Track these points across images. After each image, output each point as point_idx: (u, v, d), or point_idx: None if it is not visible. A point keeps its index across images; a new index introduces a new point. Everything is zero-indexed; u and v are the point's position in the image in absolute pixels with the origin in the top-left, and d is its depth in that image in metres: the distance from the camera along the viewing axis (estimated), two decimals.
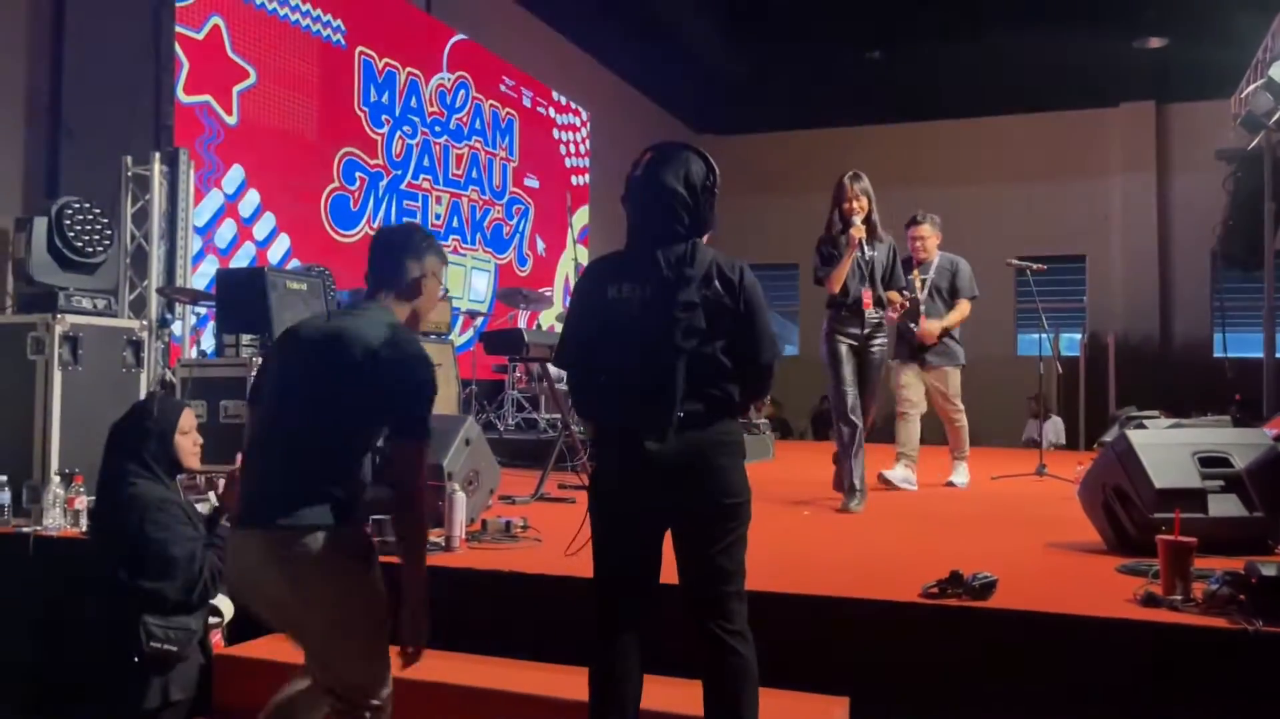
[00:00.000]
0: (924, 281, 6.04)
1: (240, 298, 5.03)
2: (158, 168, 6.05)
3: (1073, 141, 13.55)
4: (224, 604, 3.15)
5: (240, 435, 4.73)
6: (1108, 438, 8.70)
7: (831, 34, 13.12)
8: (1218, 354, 12.77)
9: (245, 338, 4.92)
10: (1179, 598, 2.79)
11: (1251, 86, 8.59)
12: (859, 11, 12.65)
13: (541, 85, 11.04)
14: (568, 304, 2.56)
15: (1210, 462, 3.60)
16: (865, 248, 5.02)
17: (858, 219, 4.91)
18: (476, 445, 4.15)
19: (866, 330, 5.04)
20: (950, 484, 6.20)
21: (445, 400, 6.64)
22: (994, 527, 4.60)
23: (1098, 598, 2.94)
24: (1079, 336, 13.65)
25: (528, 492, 5.18)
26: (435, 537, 3.62)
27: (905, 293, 5.30)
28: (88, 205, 4.68)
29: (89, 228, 4.63)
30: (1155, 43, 11.83)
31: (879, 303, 5.07)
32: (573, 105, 11.75)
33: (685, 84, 14.11)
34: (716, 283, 2.30)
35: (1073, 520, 4.19)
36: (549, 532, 3.82)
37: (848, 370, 5.00)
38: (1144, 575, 3.12)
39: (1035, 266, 7.16)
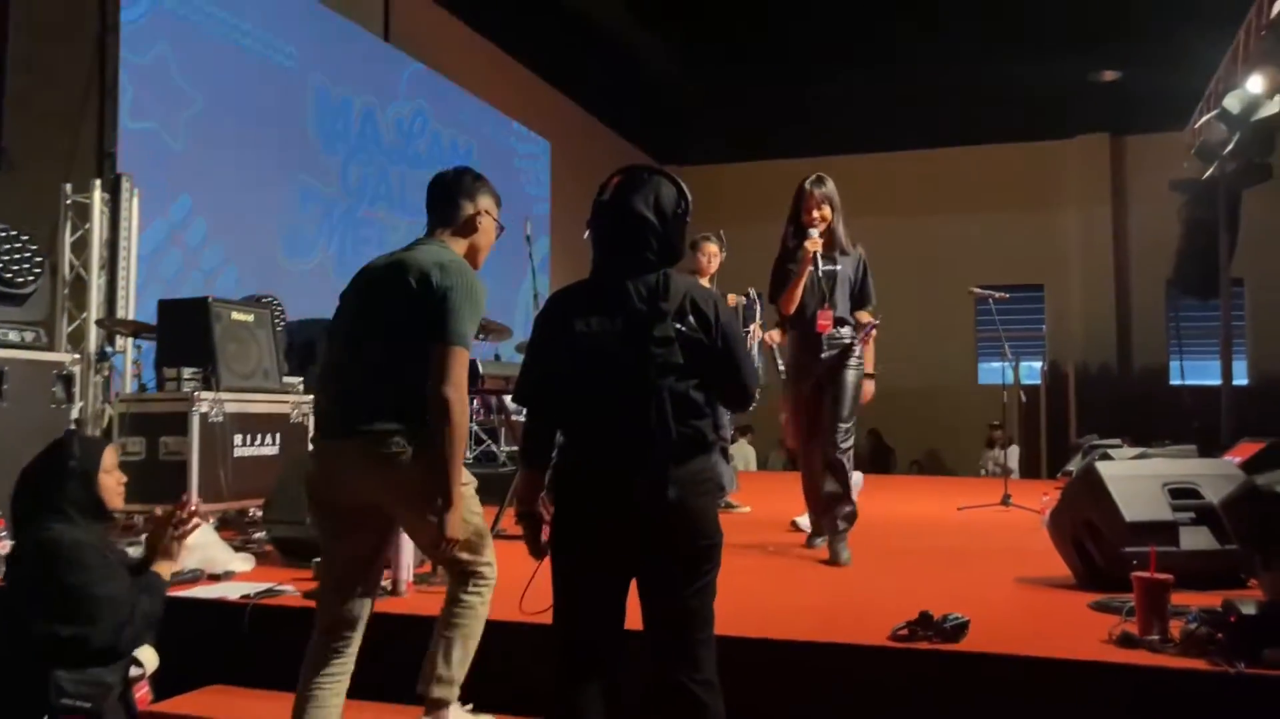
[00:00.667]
0: None
1: (182, 329, 4.83)
2: (98, 195, 5.85)
3: (1030, 172, 13.70)
4: (147, 655, 2.94)
5: (182, 471, 4.57)
6: (1072, 467, 8.69)
7: (794, 65, 13.21)
8: (1175, 381, 12.89)
9: (187, 372, 4.72)
10: (1156, 638, 2.69)
11: (1205, 117, 8.69)
12: (820, 43, 12.76)
13: (501, 114, 10.95)
14: (529, 336, 2.39)
15: (1180, 493, 3.53)
16: (821, 261, 4.44)
17: (815, 231, 4.36)
18: None
19: (827, 354, 4.41)
20: (794, 525, 5.44)
21: None
22: (962, 561, 4.49)
23: (1072, 638, 2.83)
24: (1039, 365, 13.72)
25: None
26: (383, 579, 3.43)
27: (878, 313, 4.68)
28: (15, 234, 4.48)
29: (18, 257, 4.43)
30: (1109, 75, 12.02)
31: (841, 323, 4.44)
32: (533, 134, 11.67)
33: (647, 113, 14.13)
34: (691, 317, 2.19)
35: (1041, 553, 4.10)
36: (504, 572, 3.63)
37: (801, 402, 4.49)
38: (1118, 613, 3.02)
39: (998, 295, 7.09)
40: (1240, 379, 11.93)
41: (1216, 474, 3.59)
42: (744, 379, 2.27)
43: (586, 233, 2.30)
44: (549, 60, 11.66)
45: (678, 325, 2.16)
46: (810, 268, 4.40)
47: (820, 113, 13.84)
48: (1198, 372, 12.40)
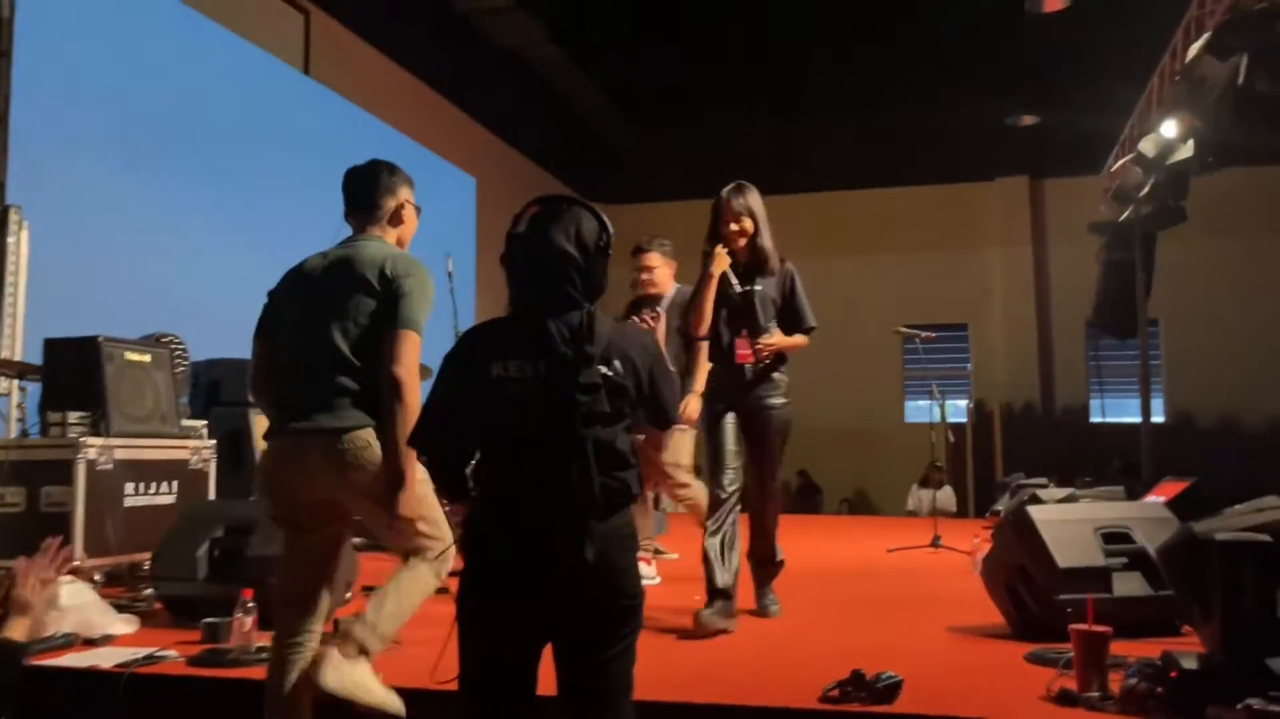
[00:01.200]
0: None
1: (70, 370, 4.52)
2: None
3: (954, 214, 13.91)
4: None
5: (64, 524, 4.23)
6: (999, 506, 8.70)
7: (723, 107, 13.30)
8: (1095, 419, 13.11)
9: (74, 415, 4.40)
10: (1096, 694, 2.57)
11: (1121, 161, 8.87)
12: (747, 87, 12.87)
13: (426, 149, 10.74)
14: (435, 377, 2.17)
15: (1112, 537, 3.46)
16: (738, 281, 3.97)
17: (722, 247, 3.89)
18: None
19: (750, 389, 3.92)
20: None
21: None
22: (894, 608, 4.36)
23: (1010, 695, 2.70)
24: (965, 404, 13.85)
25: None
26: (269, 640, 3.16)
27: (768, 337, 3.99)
28: None
29: None
30: (1028, 120, 12.27)
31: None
32: (459, 170, 11.48)
33: (578, 151, 14.05)
34: (617, 361, 2.02)
35: (973, 599, 4.00)
36: (414, 630, 3.40)
37: (724, 440, 3.92)
38: (1054, 665, 2.90)
39: (924, 334, 7.07)
40: (1158, 417, 12.16)
41: (1147, 517, 3.53)
42: (667, 411, 2.14)
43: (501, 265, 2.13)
44: (476, 96, 11.51)
45: (604, 370, 2.00)
46: (732, 289, 3.95)
47: (748, 154, 13.90)
48: (1117, 409, 12.64)
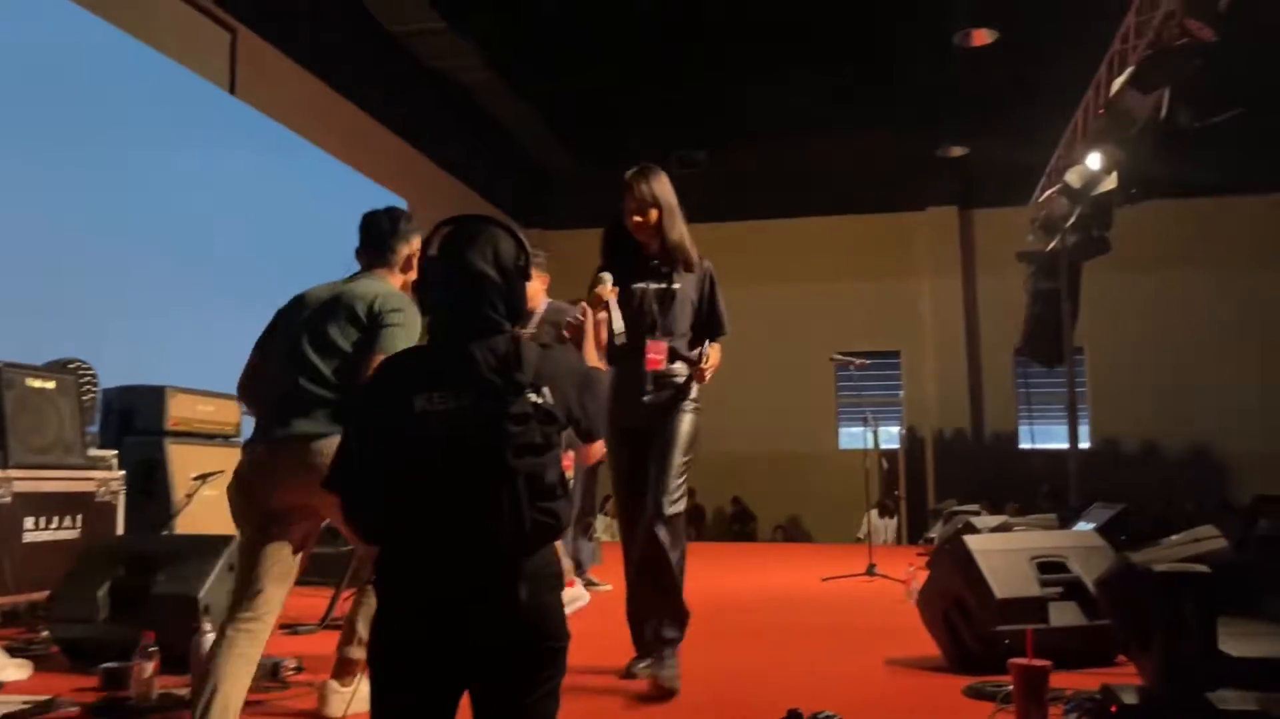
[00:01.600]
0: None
1: None
2: None
3: (886, 243, 14.08)
4: None
5: None
6: (933, 534, 8.73)
7: (658, 133, 13.32)
8: (1024, 445, 13.31)
9: None
10: None
11: (1048, 192, 9.04)
12: (684, 114, 12.92)
13: (355, 171, 10.54)
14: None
15: (1048, 567, 3.43)
16: (651, 278, 3.45)
17: (607, 276, 3.24)
18: None
19: (653, 397, 3.35)
20: None
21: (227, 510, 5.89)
22: (831, 640, 4.29)
23: None
24: (898, 430, 13.96)
25: (316, 616, 4.54)
26: (183, 686, 2.97)
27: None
28: None
29: None
30: (957, 151, 12.49)
31: (675, 356, 3.40)
32: (389, 193, 11.28)
33: (509, 175, 13.95)
34: (546, 388, 1.91)
35: (909, 630, 3.94)
36: (329, 673, 3.23)
37: (622, 457, 3.49)
38: (993, 699, 2.85)
39: (858, 362, 7.07)
40: (1083, 443, 12.38)
41: (1082, 546, 3.51)
42: (593, 430, 2.04)
43: (414, 292, 2.01)
44: (408, 118, 11.36)
45: (534, 398, 1.89)
46: (643, 285, 3.41)
47: (685, 181, 13.88)
48: (1044, 436, 12.85)
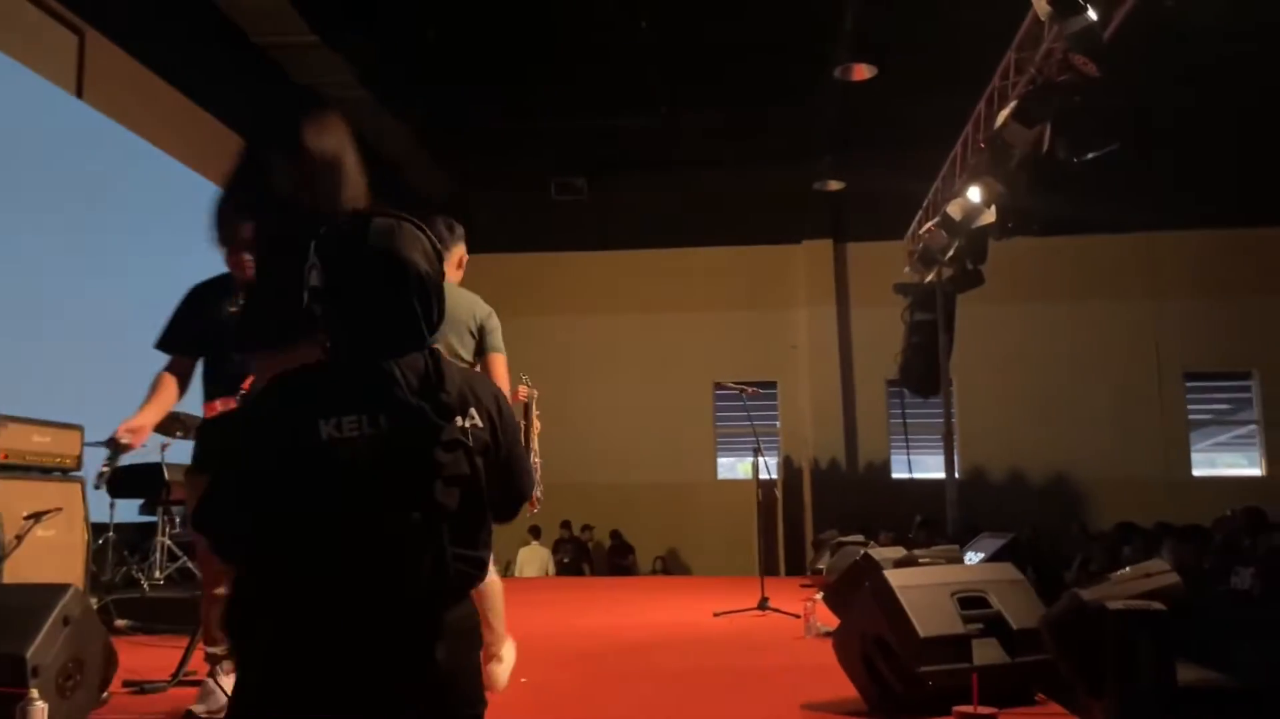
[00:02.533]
0: None
1: None
2: None
3: (764, 274, 14.17)
4: None
5: None
6: (822, 565, 8.66)
7: (537, 159, 13.12)
8: (897, 475, 13.51)
9: None
10: None
11: (928, 225, 9.19)
12: (561, 138, 12.75)
13: (214, 186, 9.90)
14: (225, 443, 1.67)
15: (969, 602, 3.29)
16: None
17: None
18: (81, 625, 3.06)
19: None
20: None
21: (68, 550, 5.29)
22: (737, 684, 4.06)
23: None
24: (775, 460, 13.98)
25: (169, 670, 4.03)
26: None
27: None
28: None
29: None
30: (834, 185, 12.68)
31: None
32: None
33: (383, 198, 13.39)
34: (474, 411, 1.63)
35: (820, 669, 3.76)
36: None
37: None
38: None
39: (749, 389, 6.96)
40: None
41: (1001, 579, 3.39)
42: (520, 488, 1.74)
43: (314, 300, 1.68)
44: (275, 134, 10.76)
45: (462, 423, 1.61)
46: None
47: (565, 208, 13.79)
48: (920, 465, 13.07)
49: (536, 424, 4.56)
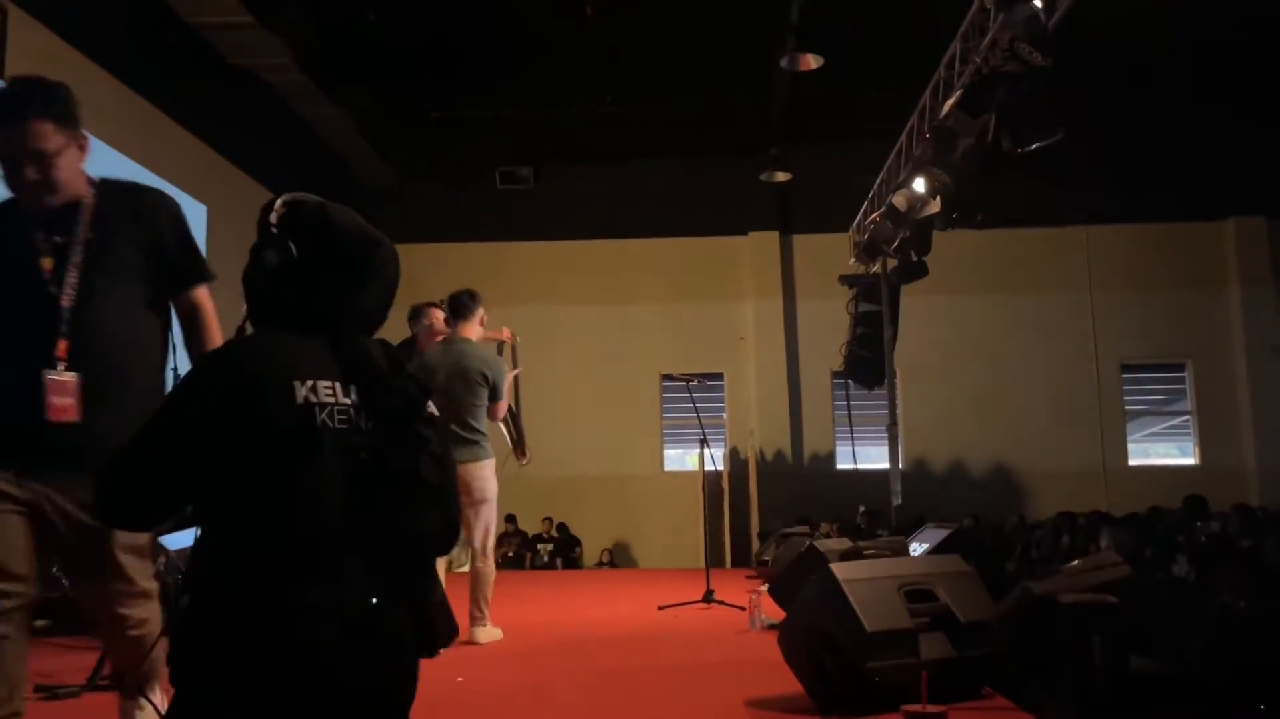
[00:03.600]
0: None
1: None
2: None
3: (711, 265, 14.12)
4: None
5: None
6: (767, 555, 8.64)
7: (477, 147, 12.93)
8: (842, 465, 13.58)
9: None
10: None
11: (873, 215, 9.19)
12: (506, 128, 12.59)
13: (148, 171, 9.58)
14: (172, 405, 1.49)
15: (916, 595, 3.24)
16: None
17: None
18: None
19: None
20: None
21: None
22: (682, 681, 3.98)
23: None
24: (721, 451, 13.95)
25: (85, 673, 3.83)
26: None
27: None
28: None
29: None
30: (781, 176, 12.66)
31: None
32: (187, 196, 10.34)
33: (323, 185, 13.09)
34: (430, 403, 1.58)
35: (764, 664, 3.70)
36: None
37: None
38: None
39: (696, 380, 6.90)
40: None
41: (948, 572, 3.34)
42: (453, 511, 1.60)
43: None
44: (209, 119, 10.46)
45: (430, 408, 1.56)
46: None
47: (510, 198, 13.63)
48: (864, 456, 13.13)
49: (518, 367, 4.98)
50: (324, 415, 1.42)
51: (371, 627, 1.40)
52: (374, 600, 1.40)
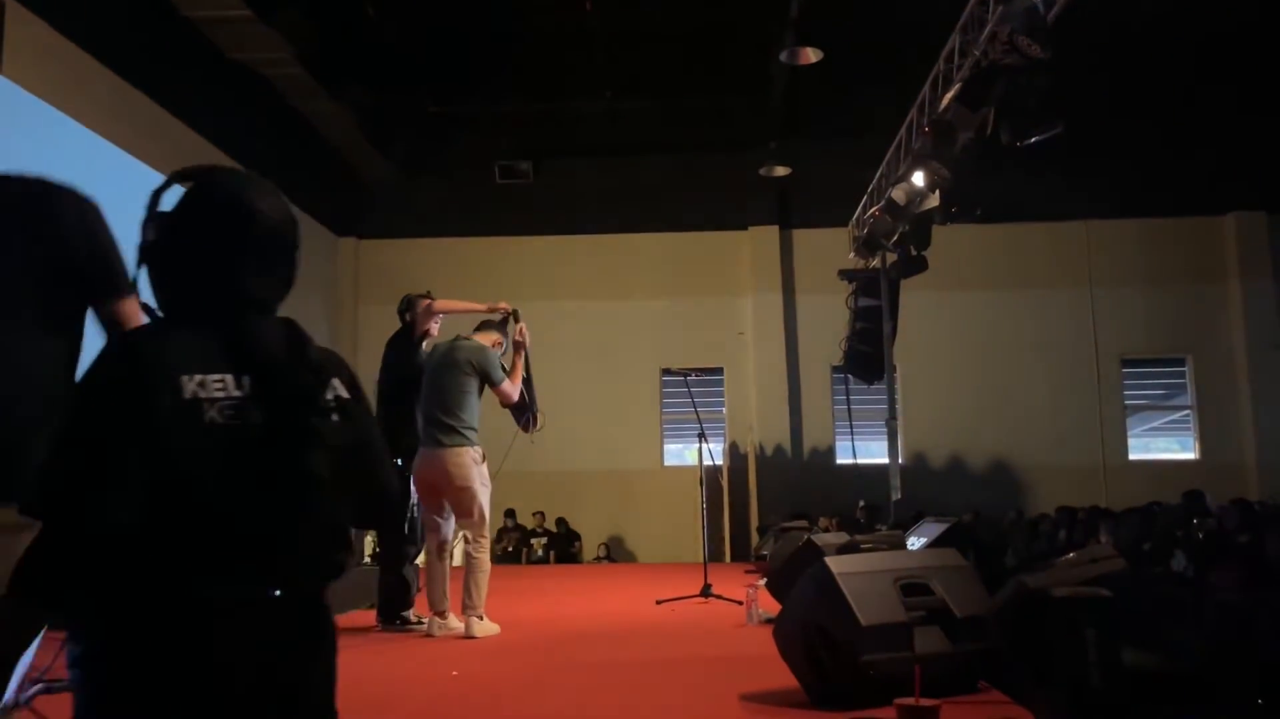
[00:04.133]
0: None
1: None
2: None
3: (710, 260, 14.11)
4: None
5: None
6: (765, 551, 8.64)
7: (477, 141, 12.90)
8: (841, 460, 13.57)
9: None
10: None
11: (872, 209, 9.18)
12: (506, 122, 12.56)
13: (147, 167, 9.56)
14: (76, 409, 1.44)
15: (911, 589, 3.23)
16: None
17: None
18: None
19: None
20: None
21: None
22: (678, 674, 3.97)
23: None
24: (721, 446, 13.95)
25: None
26: None
27: None
28: None
29: None
30: (780, 171, 12.64)
31: None
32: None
33: (323, 179, 13.13)
34: (337, 380, 1.49)
35: (760, 659, 3.69)
36: None
37: None
38: None
39: (694, 374, 6.88)
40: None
41: (944, 566, 3.34)
42: (384, 481, 1.58)
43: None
44: (206, 113, 10.44)
45: (338, 391, 1.48)
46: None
47: (509, 193, 13.62)
48: (864, 451, 13.12)
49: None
50: (213, 412, 1.39)
51: (267, 622, 1.37)
52: (272, 595, 1.38)
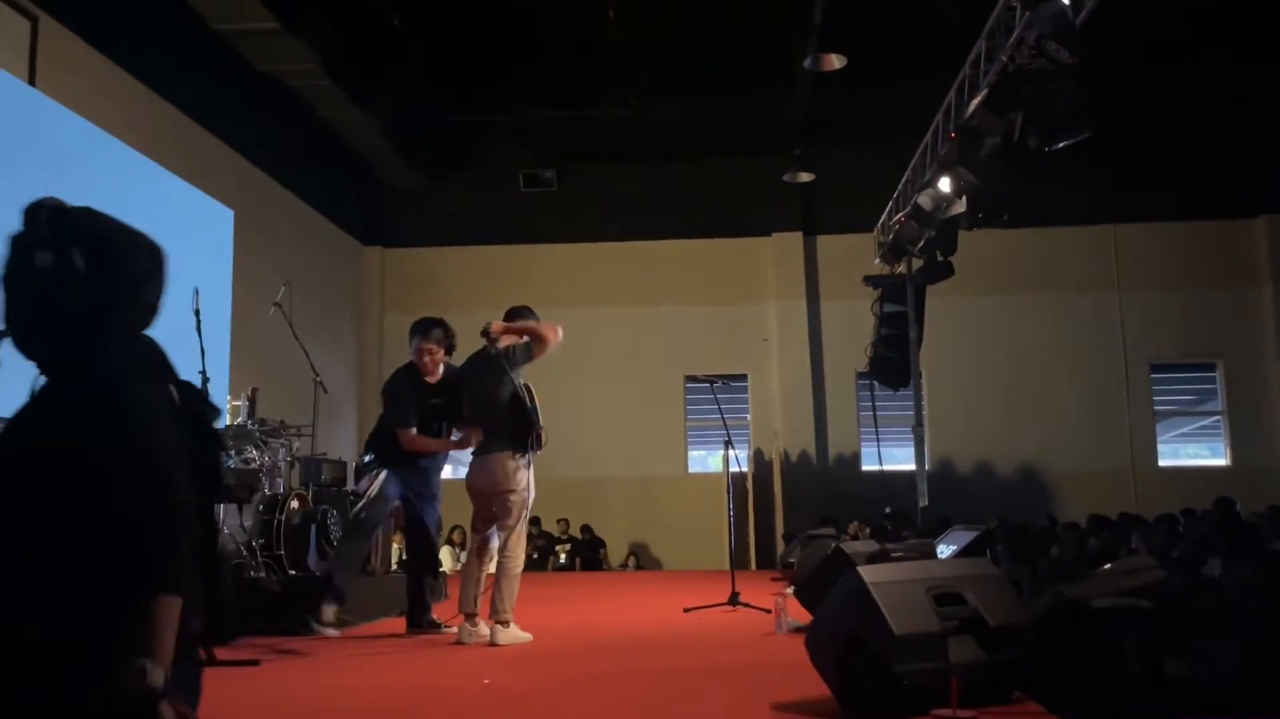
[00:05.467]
0: None
1: None
2: None
3: (734, 266, 14.10)
4: None
5: None
6: (792, 558, 8.61)
7: (501, 149, 12.98)
8: (867, 467, 13.50)
9: None
10: None
11: (898, 216, 9.15)
12: (529, 130, 12.63)
13: (175, 177, 9.67)
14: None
15: (944, 599, 3.20)
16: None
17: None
18: None
19: None
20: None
21: None
22: (708, 684, 3.96)
23: None
24: (745, 453, 13.92)
25: None
26: None
27: None
28: None
29: None
30: (805, 177, 12.62)
31: None
32: (213, 201, 10.43)
33: (348, 188, 13.25)
34: None
35: (790, 668, 3.68)
36: None
37: None
38: None
39: (720, 381, 6.88)
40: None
41: (976, 575, 3.31)
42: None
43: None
44: (235, 124, 10.56)
45: None
46: None
47: (533, 201, 13.68)
48: (889, 458, 13.06)
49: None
50: (180, 417, 1.54)
51: None
52: None
